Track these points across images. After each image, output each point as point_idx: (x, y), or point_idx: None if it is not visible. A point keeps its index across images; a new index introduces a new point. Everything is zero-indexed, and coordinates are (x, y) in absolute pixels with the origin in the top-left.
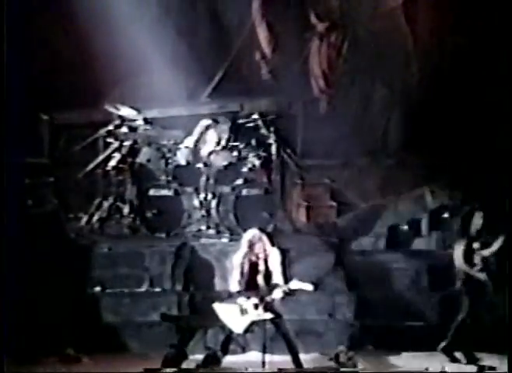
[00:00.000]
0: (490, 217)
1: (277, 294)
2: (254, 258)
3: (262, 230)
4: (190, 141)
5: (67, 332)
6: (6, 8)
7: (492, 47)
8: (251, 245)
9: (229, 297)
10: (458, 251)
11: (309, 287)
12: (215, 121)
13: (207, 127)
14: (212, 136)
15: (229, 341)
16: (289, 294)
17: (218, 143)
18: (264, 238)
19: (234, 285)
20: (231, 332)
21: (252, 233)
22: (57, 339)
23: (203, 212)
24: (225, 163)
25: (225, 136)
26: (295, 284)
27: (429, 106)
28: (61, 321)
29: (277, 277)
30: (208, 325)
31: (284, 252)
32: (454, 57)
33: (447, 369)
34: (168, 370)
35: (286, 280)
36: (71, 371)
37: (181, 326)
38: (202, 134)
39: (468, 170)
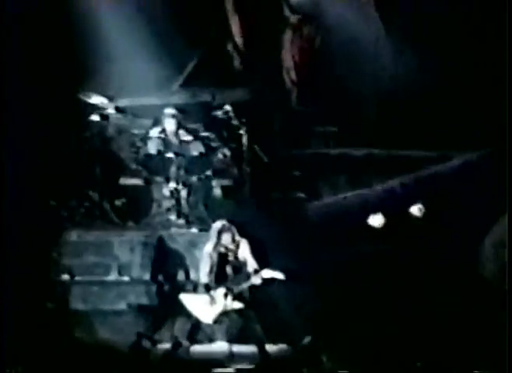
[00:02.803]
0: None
1: (255, 280)
2: (223, 249)
3: (231, 221)
4: (155, 131)
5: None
6: None
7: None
8: (220, 236)
9: (199, 287)
10: None
11: (280, 275)
12: (181, 111)
13: (169, 116)
14: (171, 124)
15: (196, 331)
16: (262, 282)
17: (176, 132)
18: (233, 229)
19: (203, 276)
20: (198, 321)
21: (221, 224)
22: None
23: (173, 202)
24: (196, 153)
25: (190, 125)
26: (267, 273)
27: (401, 98)
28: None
29: (251, 266)
30: (176, 314)
31: (254, 242)
32: (428, 46)
33: None
34: None
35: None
36: None
37: (149, 315)
38: (165, 122)
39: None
